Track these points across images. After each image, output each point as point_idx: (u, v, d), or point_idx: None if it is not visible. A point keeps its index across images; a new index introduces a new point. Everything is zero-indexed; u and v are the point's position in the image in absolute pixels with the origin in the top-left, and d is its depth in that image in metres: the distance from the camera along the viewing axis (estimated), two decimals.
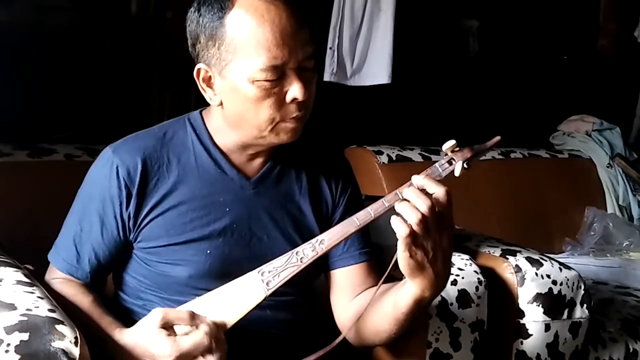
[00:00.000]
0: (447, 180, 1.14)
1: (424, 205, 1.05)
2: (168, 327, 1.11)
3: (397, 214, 1.06)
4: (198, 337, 1.10)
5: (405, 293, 1.15)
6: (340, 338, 1.17)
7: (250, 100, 1.14)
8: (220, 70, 1.16)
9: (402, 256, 1.07)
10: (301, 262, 1.14)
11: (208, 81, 1.19)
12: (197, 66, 1.19)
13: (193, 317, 1.12)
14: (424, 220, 1.05)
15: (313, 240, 1.16)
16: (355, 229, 1.14)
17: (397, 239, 1.07)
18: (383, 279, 1.16)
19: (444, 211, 1.07)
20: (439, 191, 1.07)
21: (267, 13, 1.12)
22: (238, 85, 1.14)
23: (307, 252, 1.15)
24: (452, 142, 1.14)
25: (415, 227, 1.05)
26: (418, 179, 1.09)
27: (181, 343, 1.09)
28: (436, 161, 1.16)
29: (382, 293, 1.21)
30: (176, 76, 2.21)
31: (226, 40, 1.13)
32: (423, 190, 1.08)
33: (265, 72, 1.12)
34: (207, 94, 1.20)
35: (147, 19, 2.21)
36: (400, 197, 1.10)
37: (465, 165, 1.13)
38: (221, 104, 1.19)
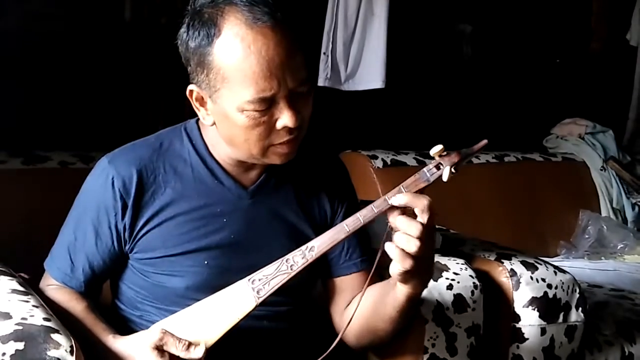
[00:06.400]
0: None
1: (417, 231, 1.07)
2: (162, 348, 1.10)
3: (391, 240, 1.08)
4: None
5: (398, 293, 1.16)
6: (336, 341, 1.16)
7: (240, 127, 1.13)
8: (210, 94, 1.14)
9: (397, 272, 1.09)
10: (291, 269, 1.13)
11: (201, 101, 1.17)
12: (189, 87, 1.17)
13: (188, 348, 1.10)
14: (421, 245, 1.07)
15: (303, 248, 1.14)
16: (345, 235, 1.13)
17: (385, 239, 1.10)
18: (366, 286, 1.18)
19: (429, 222, 1.09)
20: (421, 205, 1.08)
21: (254, 43, 1.09)
22: (228, 112, 1.13)
23: (297, 259, 1.14)
24: (439, 147, 1.14)
25: (416, 255, 1.07)
26: (400, 198, 1.10)
27: None
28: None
29: (374, 294, 1.22)
30: (171, 83, 2.21)
31: (214, 69, 1.11)
32: (409, 210, 1.09)
33: (253, 103, 1.10)
34: (201, 113, 1.19)
35: (141, 26, 2.21)
36: (389, 202, 1.11)
37: (453, 170, 1.13)
38: (214, 123, 1.18)
